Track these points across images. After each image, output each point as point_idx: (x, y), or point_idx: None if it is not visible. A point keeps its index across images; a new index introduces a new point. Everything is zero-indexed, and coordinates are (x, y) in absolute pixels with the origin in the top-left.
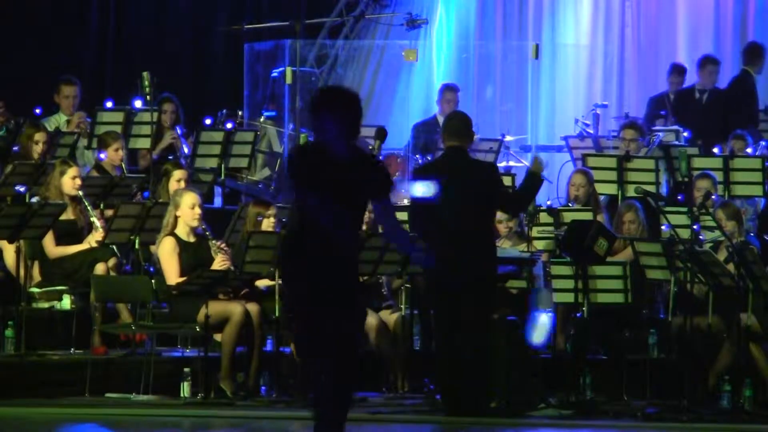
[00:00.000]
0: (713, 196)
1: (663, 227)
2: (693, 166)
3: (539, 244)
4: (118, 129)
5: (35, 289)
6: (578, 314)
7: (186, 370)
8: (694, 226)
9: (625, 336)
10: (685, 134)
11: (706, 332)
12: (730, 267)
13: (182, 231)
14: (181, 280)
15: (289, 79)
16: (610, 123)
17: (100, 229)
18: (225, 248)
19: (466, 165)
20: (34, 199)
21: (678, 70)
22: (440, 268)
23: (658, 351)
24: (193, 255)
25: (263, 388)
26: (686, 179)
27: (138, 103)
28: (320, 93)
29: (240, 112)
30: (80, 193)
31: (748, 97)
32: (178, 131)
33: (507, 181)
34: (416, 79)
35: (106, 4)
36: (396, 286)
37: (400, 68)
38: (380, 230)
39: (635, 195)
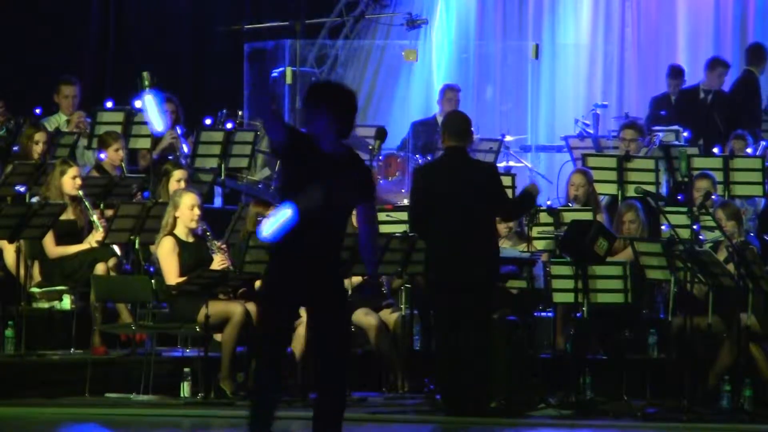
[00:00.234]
0: (713, 196)
1: (663, 227)
2: (693, 166)
3: (539, 244)
4: (118, 129)
5: (35, 289)
6: (578, 314)
7: (186, 370)
8: (694, 226)
9: (625, 336)
10: (685, 134)
11: (706, 332)
12: (730, 267)
13: (181, 231)
14: (180, 280)
15: (289, 79)
16: (610, 123)
17: (101, 229)
18: (223, 248)
19: (466, 165)
20: (34, 199)
21: (676, 72)
22: (440, 268)
23: (658, 351)
24: (192, 255)
25: None
26: (686, 179)
27: (138, 103)
28: (312, 87)
29: (240, 112)
30: (80, 193)
31: (754, 97)
32: (178, 131)
33: (507, 181)
34: (416, 79)
35: (106, 4)
36: (396, 286)
37: (400, 68)
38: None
39: (635, 195)
